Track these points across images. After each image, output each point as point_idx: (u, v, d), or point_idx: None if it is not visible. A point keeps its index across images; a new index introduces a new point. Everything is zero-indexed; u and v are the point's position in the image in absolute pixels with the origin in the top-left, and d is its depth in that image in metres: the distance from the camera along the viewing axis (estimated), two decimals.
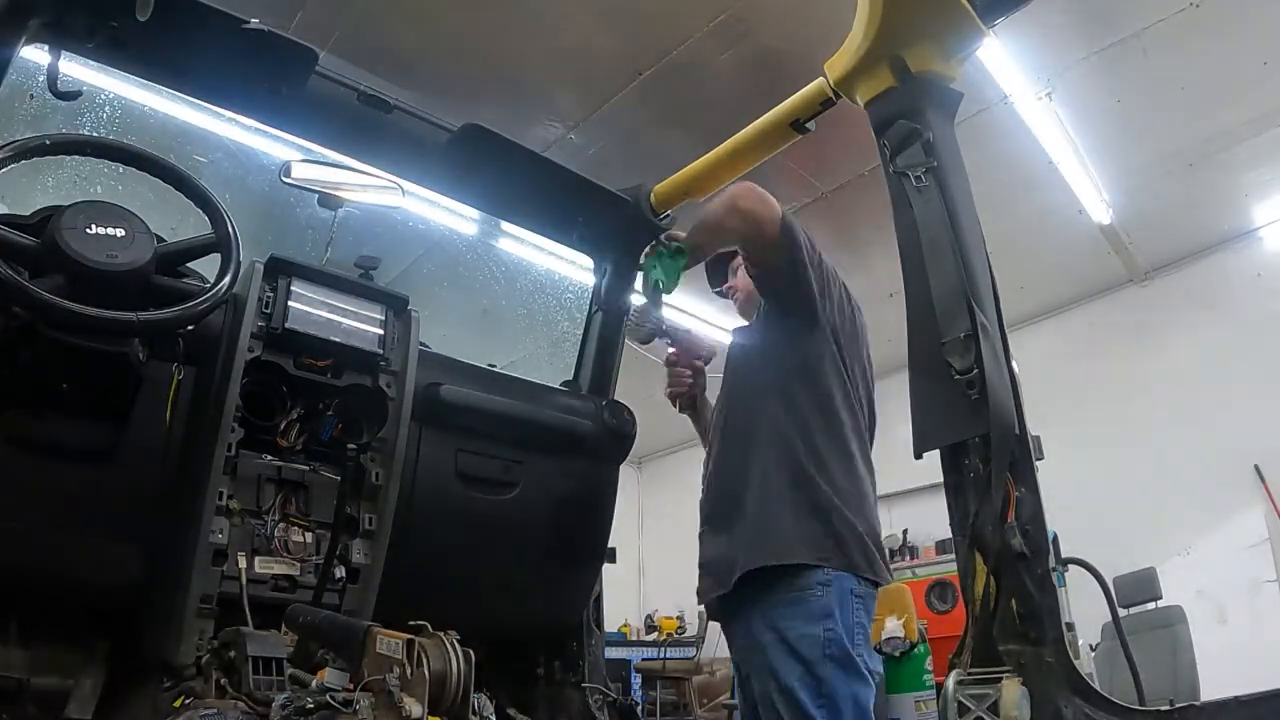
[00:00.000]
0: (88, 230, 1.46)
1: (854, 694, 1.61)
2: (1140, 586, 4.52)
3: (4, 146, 1.44)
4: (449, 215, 4.55)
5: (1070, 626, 3.62)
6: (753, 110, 2.07)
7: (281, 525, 1.87)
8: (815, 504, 1.71)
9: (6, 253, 1.38)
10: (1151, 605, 4.50)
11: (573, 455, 2.37)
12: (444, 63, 3.98)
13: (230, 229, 1.63)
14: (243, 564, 1.77)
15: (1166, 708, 1.27)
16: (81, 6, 1.61)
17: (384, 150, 2.18)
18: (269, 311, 1.82)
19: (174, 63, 1.82)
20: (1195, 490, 5.36)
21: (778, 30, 3.77)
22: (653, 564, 9.30)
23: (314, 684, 1.38)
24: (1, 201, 2.28)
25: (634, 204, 2.34)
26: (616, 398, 2.55)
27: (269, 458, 1.89)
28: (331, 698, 1.27)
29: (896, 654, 3.44)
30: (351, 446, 1.92)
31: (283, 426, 1.90)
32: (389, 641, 1.25)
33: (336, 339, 1.91)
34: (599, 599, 2.56)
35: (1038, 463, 1.49)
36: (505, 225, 4.47)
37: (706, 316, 5.57)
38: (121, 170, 1.62)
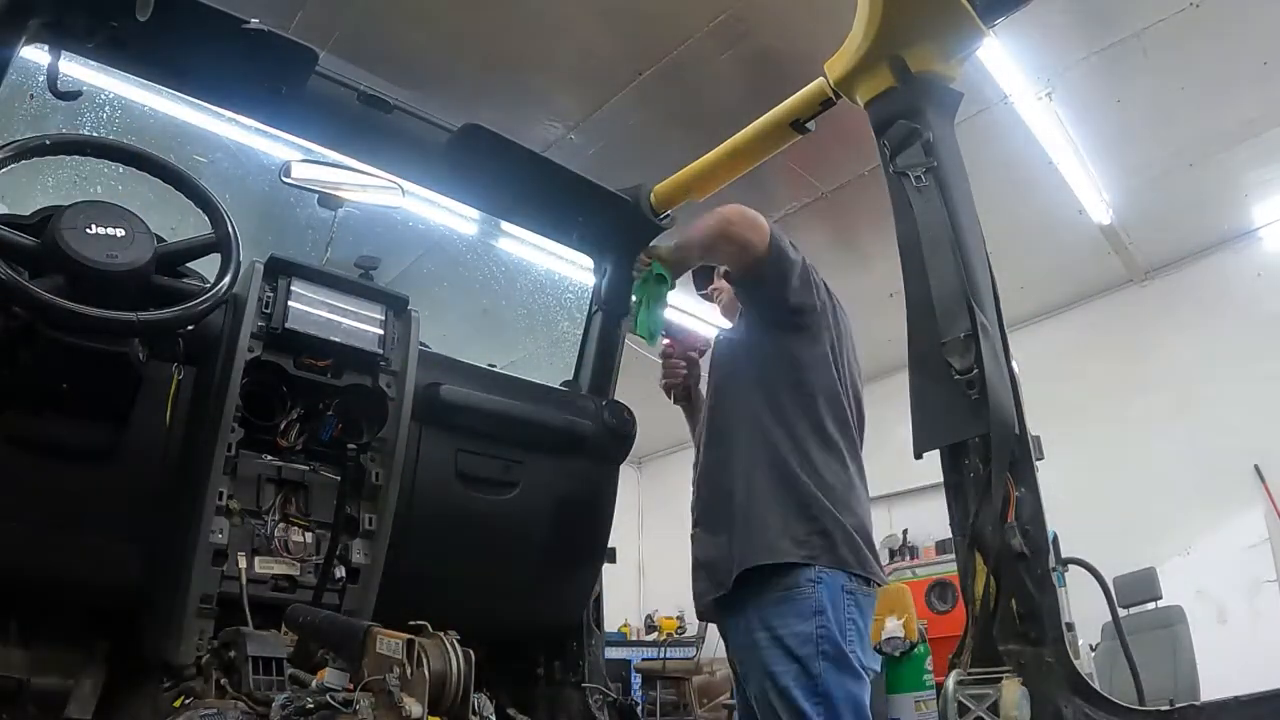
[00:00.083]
0: (88, 230, 1.46)
1: (849, 691, 1.61)
2: (1140, 586, 4.53)
3: (4, 146, 1.44)
4: (449, 215, 4.55)
5: (1070, 626, 3.62)
6: (753, 110, 2.07)
7: (281, 525, 1.87)
8: (802, 502, 1.71)
9: (6, 253, 1.38)
10: (1151, 605, 4.50)
11: (573, 455, 2.37)
12: (444, 63, 3.98)
13: (230, 229, 1.63)
14: (243, 564, 1.76)
15: (1166, 708, 1.27)
16: (81, 6, 1.61)
17: (384, 150, 2.18)
18: (269, 311, 1.82)
19: (174, 63, 1.82)
20: (1195, 490, 5.36)
21: (778, 30, 3.77)
22: (653, 564, 9.30)
23: (314, 684, 1.38)
24: (1, 201, 2.28)
25: (634, 204, 2.34)
26: (616, 398, 2.55)
27: (269, 458, 1.88)
28: (331, 698, 1.27)
29: (896, 654, 3.44)
30: (351, 446, 1.92)
31: (283, 426, 1.89)
32: (389, 641, 1.25)
33: (336, 339, 1.91)
34: (599, 599, 2.56)
35: (1038, 463, 1.49)
36: (505, 225, 4.47)
37: (700, 313, 5.58)
38: (121, 170, 1.62)
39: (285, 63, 1.86)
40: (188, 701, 1.51)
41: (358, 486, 1.94)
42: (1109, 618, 1.88)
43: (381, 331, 1.98)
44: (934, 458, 1.60)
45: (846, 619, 1.65)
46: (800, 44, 3.56)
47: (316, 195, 2.26)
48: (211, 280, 1.60)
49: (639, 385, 2.73)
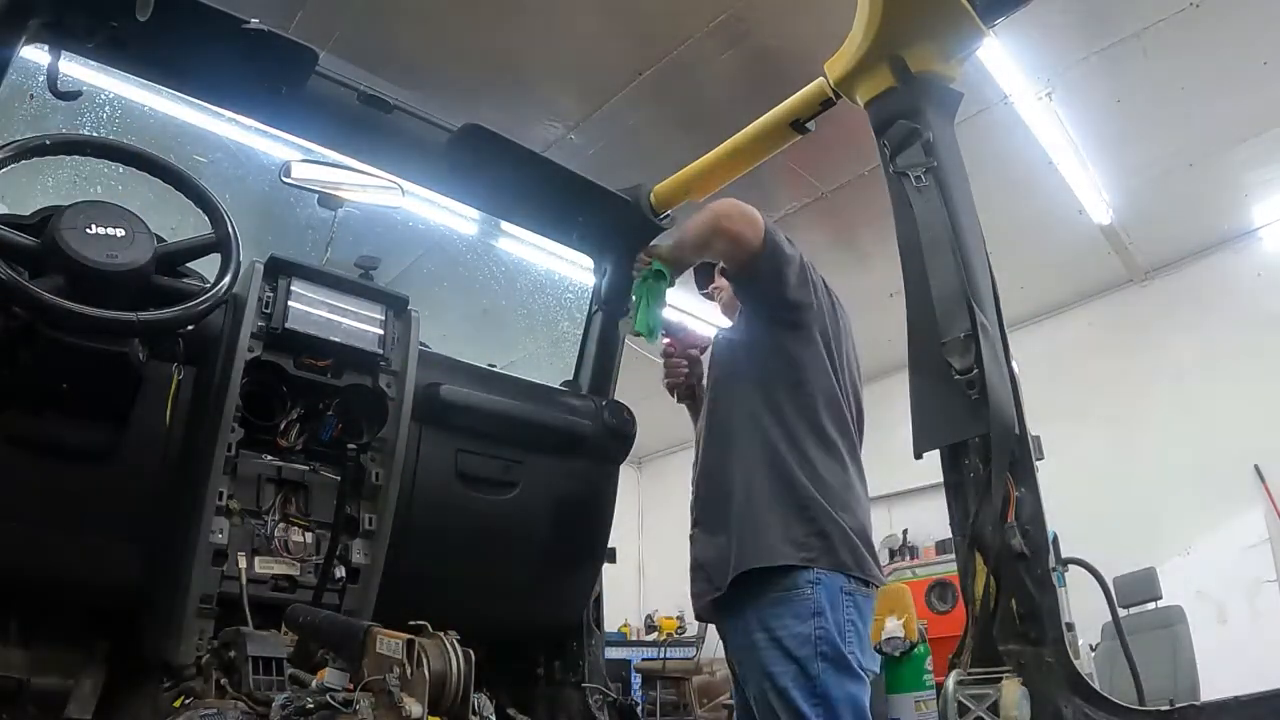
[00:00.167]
0: (88, 230, 1.46)
1: (848, 693, 1.61)
2: (1140, 586, 4.52)
3: (4, 146, 1.44)
4: (449, 215, 4.55)
5: (1070, 626, 3.62)
6: (753, 110, 2.07)
7: (281, 525, 1.87)
8: (800, 504, 1.71)
9: (6, 253, 1.38)
10: (1151, 605, 4.50)
11: (573, 455, 2.37)
12: (444, 63, 3.99)
13: (230, 229, 1.63)
14: (243, 564, 1.77)
15: (1166, 708, 1.27)
16: (81, 6, 1.61)
17: (384, 150, 2.18)
18: (269, 311, 1.82)
19: (174, 63, 1.82)
20: (1195, 490, 5.36)
21: (778, 30, 3.77)
22: (653, 564, 9.30)
23: (314, 684, 1.38)
24: (1, 201, 2.28)
25: (634, 204, 2.34)
26: (616, 398, 2.55)
27: (269, 458, 1.89)
28: (331, 698, 1.27)
29: (896, 654, 3.44)
30: (351, 446, 1.92)
31: (283, 426, 1.90)
32: (389, 641, 1.25)
33: (336, 339, 1.91)
34: (599, 599, 2.56)
35: (1038, 463, 1.49)
36: (505, 225, 4.47)
37: (700, 313, 5.58)
38: (121, 170, 1.62)
39: (285, 63, 1.86)
40: (188, 701, 1.51)
41: (358, 486, 1.94)
42: (1109, 618, 1.88)
43: (381, 331, 1.98)
44: (934, 458, 1.60)
45: (845, 620, 1.64)
46: (800, 44, 3.56)
47: (316, 195, 2.26)
48: (211, 280, 1.60)
49: (639, 385, 2.73)
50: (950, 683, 1.40)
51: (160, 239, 1.58)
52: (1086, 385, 6.05)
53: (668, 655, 6.74)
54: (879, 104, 1.75)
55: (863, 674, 1.65)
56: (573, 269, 4.64)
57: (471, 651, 1.25)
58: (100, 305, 1.41)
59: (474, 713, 1.26)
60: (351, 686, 1.29)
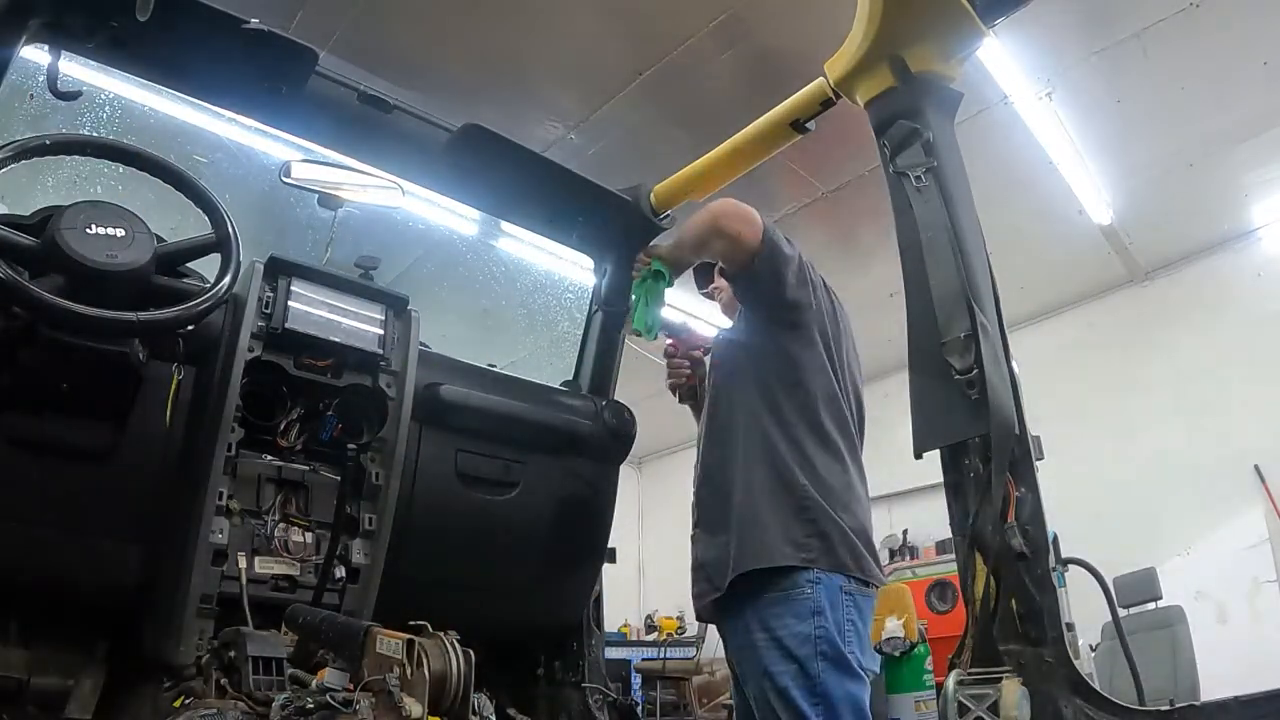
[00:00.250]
0: (88, 230, 1.46)
1: (848, 692, 1.61)
2: (1140, 586, 4.52)
3: (4, 146, 1.44)
4: (449, 215, 4.54)
5: (1070, 626, 3.62)
6: (753, 110, 2.07)
7: (281, 525, 1.87)
8: (800, 504, 1.71)
9: (6, 253, 1.38)
10: (1151, 605, 4.50)
11: (573, 455, 2.37)
12: (444, 63, 3.99)
13: (230, 229, 1.63)
14: (243, 564, 1.77)
15: (1166, 708, 1.27)
16: (81, 6, 1.61)
17: (384, 150, 2.18)
18: (269, 311, 1.82)
19: (174, 63, 1.82)
20: (1195, 490, 5.36)
21: (778, 30, 3.77)
22: (653, 564, 9.30)
23: (314, 684, 1.38)
24: (1, 201, 2.28)
25: (634, 204, 2.34)
26: (616, 398, 2.55)
27: (269, 458, 1.89)
28: (331, 698, 1.27)
29: (896, 654, 3.43)
30: (351, 446, 1.92)
31: (283, 426, 1.90)
32: (389, 641, 1.25)
33: (336, 339, 1.91)
34: (599, 599, 2.56)
35: (1038, 463, 1.49)
36: (505, 225, 4.46)
37: (701, 313, 5.57)
38: (121, 170, 1.62)
39: (285, 63, 1.86)
40: (188, 701, 1.51)
41: (358, 486, 1.94)
42: (1109, 618, 1.88)
43: (381, 331, 1.98)
44: (934, 458, 1.60)
45: (845, 620, 1.64)
46: (800, 44, 3.55)
47: (316, 195, 2.26)
48: (211, 280, 1.60)
49: (639, 385, 2.73)
50: (950, 683, 1.40)
51: (160, 239, 1.58)
52: (1086, 385, 6.05)
53: (668, 655, 6.74)
54: (879, 104, 1.75)
55: (863, 673, 1.66)
56: (573, 269, 4.64)
57: (471, 651, 1.26)
58: (100, 305, 1.41)
59: (474, 713, 1.26)
60: (351, 686, 1.29)
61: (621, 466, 2.52)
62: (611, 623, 6.21)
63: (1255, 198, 5.39)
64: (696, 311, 5.61)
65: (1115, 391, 5.99)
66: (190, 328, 1.60)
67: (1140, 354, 6.00)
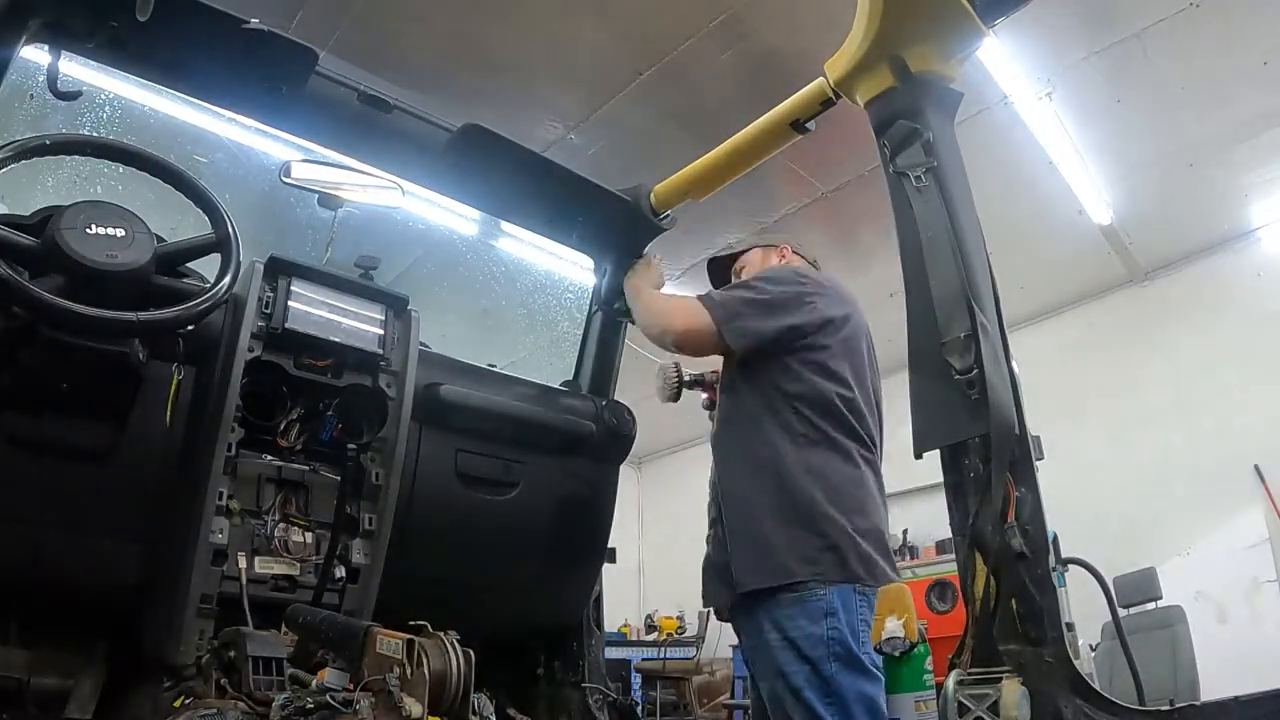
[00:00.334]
0: (88, 230, 1.46)
1: (862, 692, 1.61)
2: (1140, 586, 4.52)
3: (4, 146, 1.44)
4: (449, 215, 4.55)
5: (1070, 626, 3.61)
6: (753, 110, 2.07)
7: (281, 525, 1.87)
8: (809, 516, 1.72)
9: (6, 253, 1.38)
10: (1151, 605, 4.50)
11: (573, 455, 2.37)
12: (444, 63, 3.98)
13: (230, 229, 1.63)
14: (243, 564, 1.77)
15: (1166, 708, 1.27)
16: (81, 6, 1.61)
17: (384, 150, 2.18)
18: (269, 311, 1.82)
19: (174, 63, 1.82)
20: (1195, 490, 5.36)
21: (778, 30, 3.77)
22: (653, 564, 9.30)
23: (314, 684, 1.38)
24: (1, 201, 2.28)
25: (634, 204, 2.34)
26: (616, 398, 2.55)
27: (269, 458, 1.89)
28: (331, 698, 1.27)
29: (896, 654, 3.42)
30: (351, 446, 1.92)
31: (283, 426, 1.90)
32: (389, 641, 1.25)
33: (336, 339, 1.91)
34: (599, 599, 2.56)
35: (1038, 463, 1.49)
36: (505, 225, 4.47)
37: None
38: (121, 170, 1.62)
39: (285, 63, 1.86)
40: (188, 701, 1.51)
41: (358, 486, 1.94)
42: (1109, 618, 1.87)
43: (381, 331, 1.98)
44: (934, 458, 1.60)
45: (859, 620, 1.65)
46: (800, 44, 3.56)
47: (316, 195, 2.26)
48: (211, 280, 1.60)
49: (639, 385, 2.73)
50: (950, 683, 1.40)
51: (160, 239, 1.58)
52: (1086, 385, 6.05)
53: (668, 655, 6.75)
54: (879, 104, 1.74)
55: (877, 672, 1.66)
56: (573, 269, 4.64)
57: (471, 651, 1.26)
58: (100, 305, 1.41)
59: (474, 713, 1.26)
60: (351, 686, 1.29)
61: (621, 466, 2.52)
62: (611, 623, 6.21)
63: (1255, 198, 5.39)
64: None
65: (1115, 391, 5.99)
66: (190, 328, 1.60)
67: (1140, 354, 6.00)
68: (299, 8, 3.62)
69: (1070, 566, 1.71)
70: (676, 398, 2.14)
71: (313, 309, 1.88)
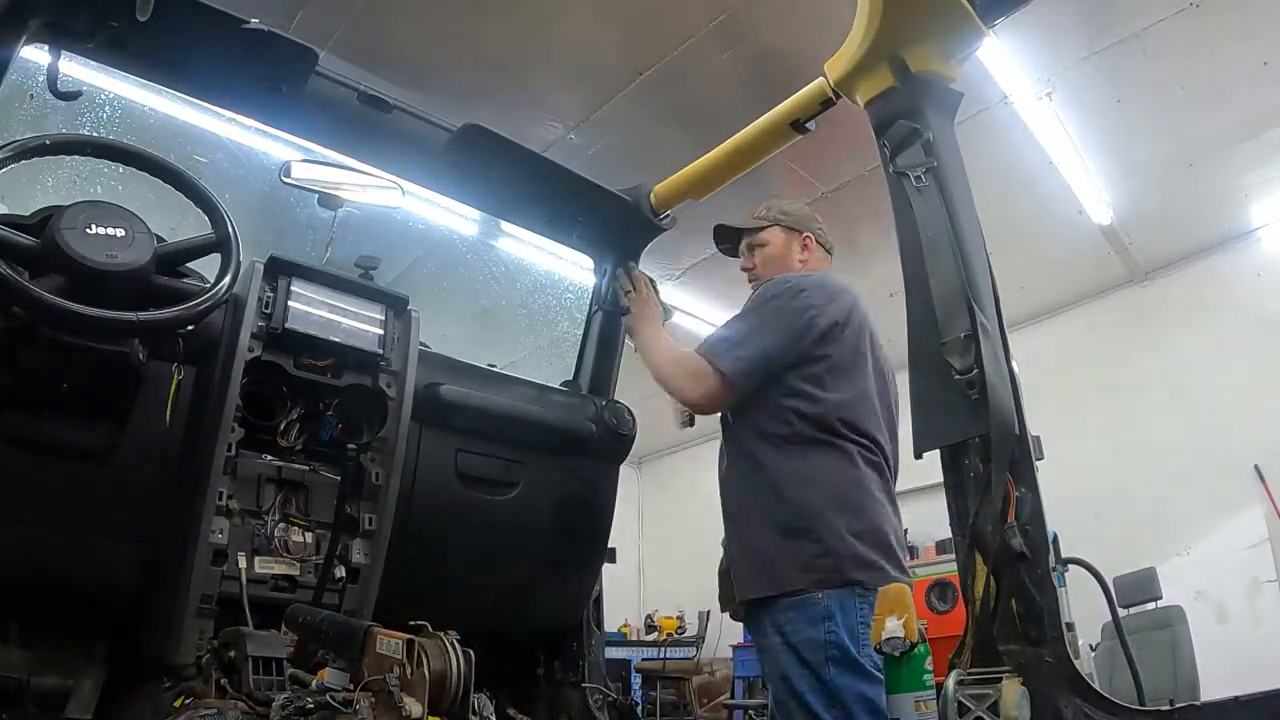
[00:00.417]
0: (88, 230, 1.46)
1: (864, 694, 1.61)
2: (1140, 586, 4.52)
3: (4, 146, 1.44)
4: (449, 215, 4.55)
5: (1070, 626, 3.61)
6: (753, 110, 2.07)
7: (281, 525, 1.87)
8: (805, 526, 1.73)
9: (6, 253, 1.38)
10: (1151, 605, 4.50)
11: (573, 455, 2.37)
12: (444, 63, 3.98)
13: (230, 229, 1.63)
14: (243, 564, 1.77)
15: (1166, 708, 1.27)
16: (81, 6, 1.61)
17: (384, 150, 2.18)
18: (269, 311, 1.82)
19: (174, 63, 1.82)
20: (1195, 490, 5.36)
21: (778, 30, 3.77)
22: (653, 564, 9.30)
23: (314, 684, 1.38)
24: (1, 201, 2.28)
25: (634, 204, 2.34)
26: (616, 398, 2.55)
27: (269, 458, 1.89)
28: (331, 698, 1.27)
29: (896, 654, 3.43)
30: (351, 446, 1.92)
31: (283, 426, 1.90)
32: (389, 641, 1.25)
33: (336, 339, 1.91)
34: (599, 599, 2.56)
35: (1038, 463, 1.49)
36: (505, 225, 4.47)
37: (703, 314, 5.58)
38: (121, 170, 1.62)
39: (285, 63, 1.86)
40: (188, 701, 1.51)
41: (358, 486, 1.94)
42: (1109, 618, 1.87)
43: (381, 331, 1.98)
44: (934, 458, 1.60)
45: (858, 623, 1.65)
46: (800, 44, 3.55)
47: (316, 195, 2.26)
48: (211, 280, 1.60)
49: (639, 385, 2.72)
50: (950, 683, 1.40)
51: (160, 239, 1.57)
52: (1086, 385, 6.05)
53: (668, 655, 6.75)
54: (879, 104, 1.74)
55: (878, 674, 1.66)
56: (573, 269, 4.65)
57: (471, 651, 1.26)
58: (100, 305, 1.41)
59: (474, 713, 1.26)
60: (351, 686, 1.29)
61: (621, 466, 2.52)
62: (611, 623, 6.21)
63: (1255, 198, 5.39)
64: (700, 313, 5.62)
65: (1115, 391, 5.99)
66: (190, 328, 1.60)
67: (1140, 354, 6.00)
68: (299, 8, 3.62)
69: (1070, 566, 1.71)
70: (691, 422, 2.11)
71: (313, 309, 1.88)
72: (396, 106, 2.08)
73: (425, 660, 1.20)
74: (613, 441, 2.44)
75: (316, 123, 2.08)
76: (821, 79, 1.86)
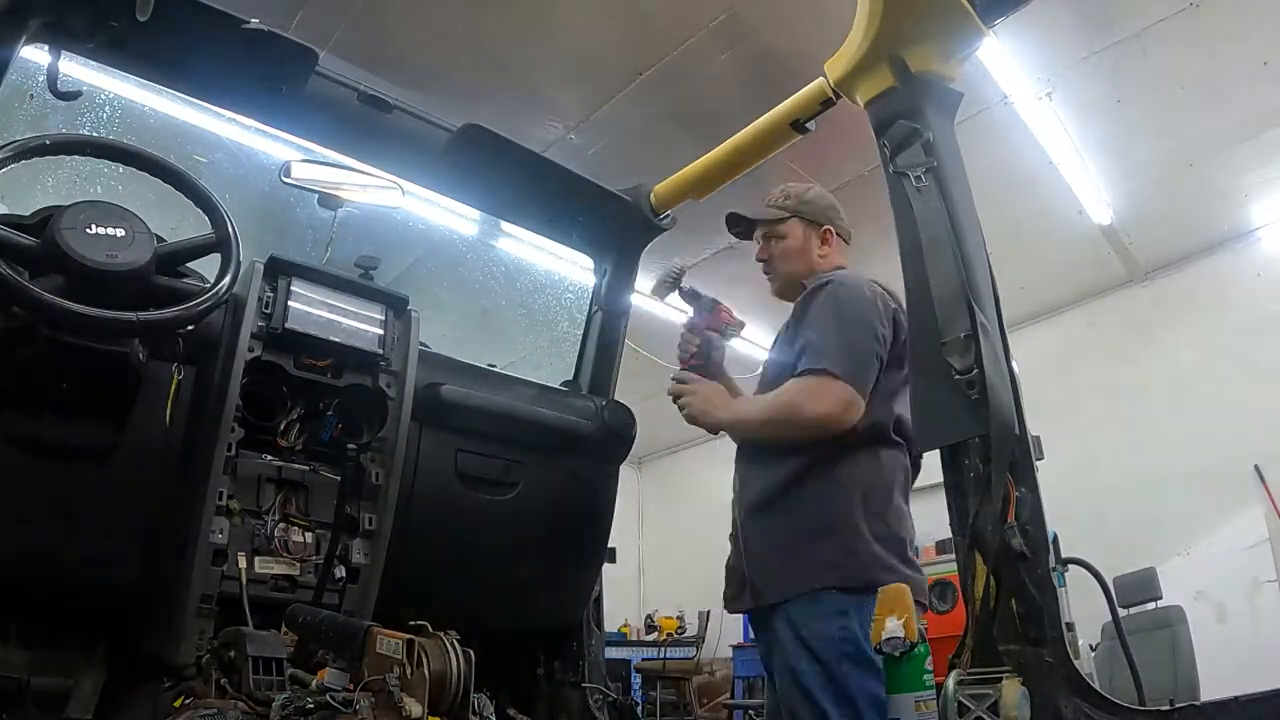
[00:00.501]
0: (88, 230, 1.45)
1: (874, 692, 1.61)
2: (1140, 586, 4.52)
3: (4, 146, 1.44)
4: (449, 215, 4.55)
5: (1070, 626, 3.61)
6: (753, 110, 2.07)
7: (281, 525, 1.87)
8: (824, 525, 1.73)
9: (6, 253, 1.38)
10: (1151, 605, 4.50)
11: (573, 455, 2.37)
12: (444, 63, 3.98)
13: (230, 229, 1.63)
14: (243, 564, 1.77)
15: (1166, 708, 1.26)
16: (81, 6, 1.61)
17: (384, 150, 2.18)
18: (269, 311, 1.82)
19: (174, 63, 1.82)
20: (1195, 490, 5.36)
21: (778, 30, 3.77)
22: (653, 564, 9.31)
23: (314, 684, 1.38)
24: (1, 201, 2.28)
25: (634, 204, 2.34)
26: (616, 398, 2.55)
27: (269, 458, 1.88)
28: (331, 698, 1.27)
29: (896, 654, 3.43)
30: (351, 446, 1.92)
31: (283, 426, 1.89)
32: (389, 641, 1.25)
33: (336, 339, 1.91)
34: (599, 599, 2.56)
35: (1038, 463, 1.49)
36: (505, 225, 4.46)
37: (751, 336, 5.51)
38: (121, 170, 1.62)
39: (285, 63, 1.86)
40: (188, 701, 1.51)
41: (358, 486, 1.94)
42: (1109, 618, 1.87)
43: (381, 331, 1.98)
44: (934, 458, 1.60)
45: (871, 621, 1.65)
46: (800, 44, 3.56)
47: (316, 195, 2.26)
48: (211, 280, 1.60)
49: (639, 385, 2.73)
50: (950, 683, 1.40)
51: (160, 239, 1.57)
52: (1086, 385, 6.05)
53: (668, 655, 6.76)
54: (879, 104, 1.74)
55: None
56: (573, 269, 4.65)
57: (471, 651, 1.26)
58: (100, 305, 1.41)
59: (474, 713, 1.26)
60: (351, 686, 1.29)
61: (621, 466, 2.52)
62: (611, 623, 6.22)
63: (1255, 198, 5.39)
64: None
65: (1115, 391, 5.99)
66: (190, 328, 1.59)
67: (1140, 354, 6.01)
68: (299, 8, 3.63)
69: (1070, 566, 1.71)
70: (664, 295, 2.03)
71: (313, 309, 1.88)
72: (396, 106, 2.08)
73: (425, 660, 1.20)
74: (613, 441, 2.44)
75: (316, 123, 2.08)
76: (821, 79, 1.86)
